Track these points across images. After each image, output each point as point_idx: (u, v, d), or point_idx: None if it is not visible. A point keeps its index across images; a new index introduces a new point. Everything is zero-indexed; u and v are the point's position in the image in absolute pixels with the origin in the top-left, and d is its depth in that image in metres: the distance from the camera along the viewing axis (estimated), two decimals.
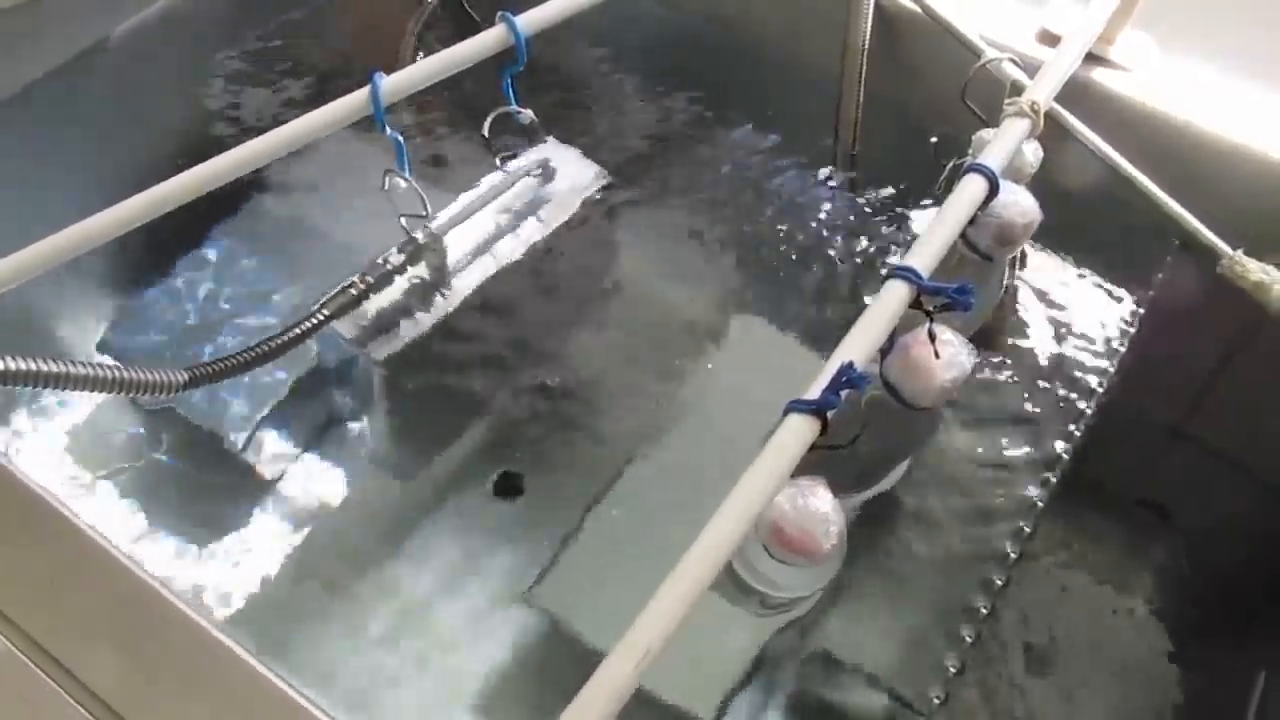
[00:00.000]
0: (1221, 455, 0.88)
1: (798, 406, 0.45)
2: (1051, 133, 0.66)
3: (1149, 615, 0.86)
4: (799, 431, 0.44)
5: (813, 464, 0.46)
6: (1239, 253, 0.64)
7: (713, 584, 0.41)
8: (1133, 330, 0.73)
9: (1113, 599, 0.85)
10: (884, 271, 0.74)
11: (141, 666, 0.49)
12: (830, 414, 0.45)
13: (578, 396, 0.76)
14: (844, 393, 0.45)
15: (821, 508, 0.47)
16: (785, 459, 0.44)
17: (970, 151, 0.64)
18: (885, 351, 0.51)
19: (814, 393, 0.45)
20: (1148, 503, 0.92)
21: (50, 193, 0.78)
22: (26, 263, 0.54)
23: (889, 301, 0.49)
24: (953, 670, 0.59)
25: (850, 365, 0.45)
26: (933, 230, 0.53)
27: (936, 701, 0.59)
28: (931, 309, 0.50)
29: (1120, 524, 0.91)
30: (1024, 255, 0.78)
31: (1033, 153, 0.63)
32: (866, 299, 0.77)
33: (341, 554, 0.72)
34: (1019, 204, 0.58)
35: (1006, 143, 0.59)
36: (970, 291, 0.48)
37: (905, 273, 0.50)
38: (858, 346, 0.47)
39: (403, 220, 0.71)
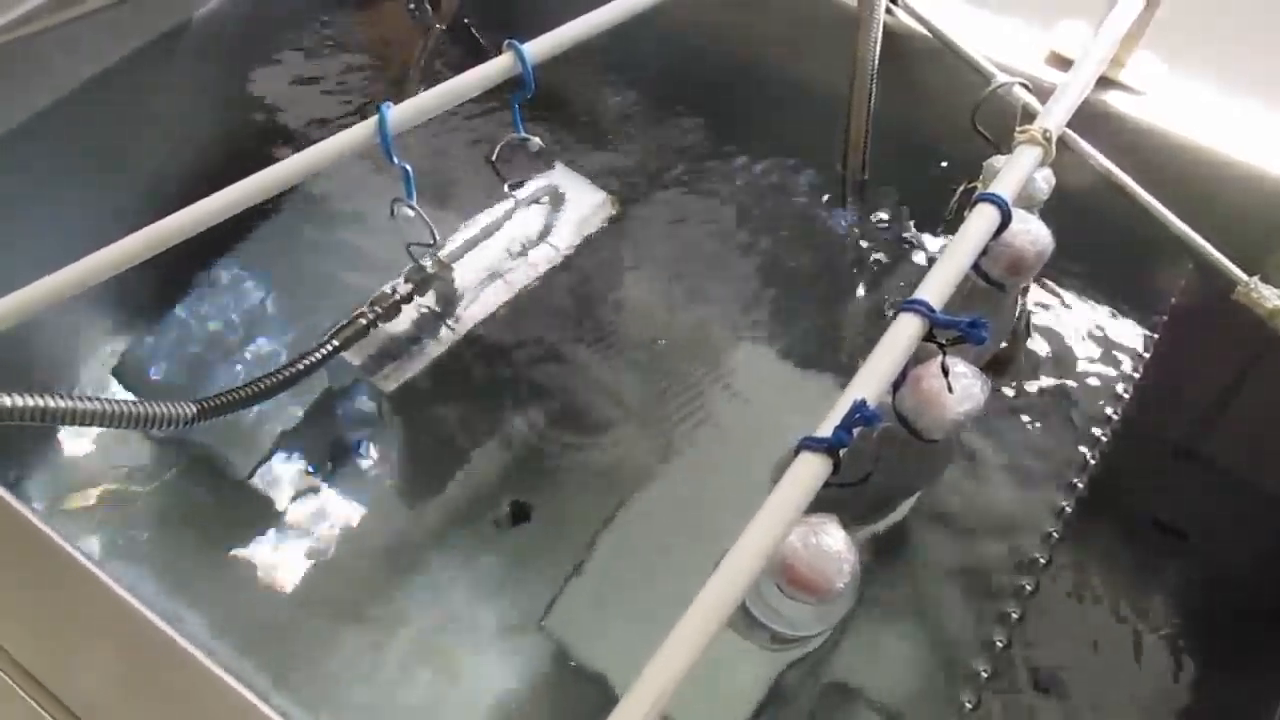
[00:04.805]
0: (1237, 477, 0.87)
1: (809, 444, 0.44)
2: (1063, 157, 0.66)
3: (1165, 640, 0.85)
4: (811, 470, 0.44)
5: (825, 495, 0.45)
6: (1255, 279, 0.64)
7: None
8: (1147, 355, 0.72)
9: (1128, 624, 0.84)
10: (888, 307, 0.74)
11: (136, 699, 0.49)
12: (842, 452, 0.44)
13: (587, 423, 0.76)
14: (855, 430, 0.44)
15: (834, 546, 0.46)
16: (797, 498, 0.43)
17: (981, 179, 0.64)
18: (898, 384, 0.50)
19: (826, 430, 0.44)
20: (1163, 525, 0.91)
21: (52, 225, 0.78)
22: (39, 296, 0.54)
23: (901, 336, 0.48)
24: (969, 706, 0.58)
25: (863, 403, 0.45)
26: (944, 262, 0.52)
27: None
28: (945, 342, 0.49)
29: (1135, 547, 0.89)
30: (1037, 281, 0.77)
31: (1045, 179, 0.63)
32: (875, 327, 0.76)
33: (350, 582, 0.71)
34: (1031, 233, 0.57)
35: (1018, 172, 0.58)
36: (984, 325, 0.47)
37: (917, 306, 0.49)
38: (870, 383, 0.47)
39: (411, 249, 0.71)
